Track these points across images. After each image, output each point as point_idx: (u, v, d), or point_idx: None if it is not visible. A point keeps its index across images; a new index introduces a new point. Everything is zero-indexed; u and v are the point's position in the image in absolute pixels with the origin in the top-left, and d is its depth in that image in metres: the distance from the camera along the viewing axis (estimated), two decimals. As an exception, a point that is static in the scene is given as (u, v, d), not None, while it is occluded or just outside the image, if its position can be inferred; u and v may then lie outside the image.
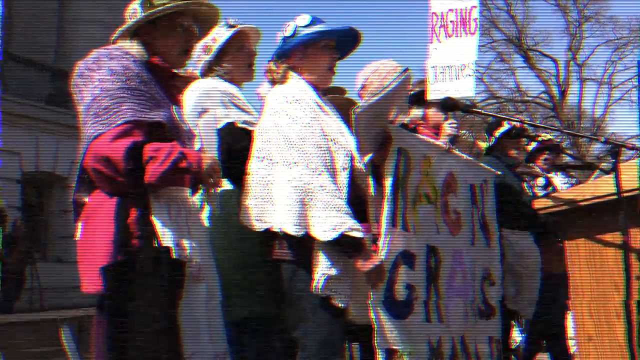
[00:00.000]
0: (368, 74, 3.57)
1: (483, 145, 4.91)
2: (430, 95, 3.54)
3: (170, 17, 2.69)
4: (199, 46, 3.20)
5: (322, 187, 2.77)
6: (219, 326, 2.70)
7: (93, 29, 15.40)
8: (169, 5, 2.66)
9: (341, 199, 2.79)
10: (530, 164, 5.39)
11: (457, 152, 3.54)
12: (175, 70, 2.74)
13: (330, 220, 2.74)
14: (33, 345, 7.02)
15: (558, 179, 5.34)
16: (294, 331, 2.90)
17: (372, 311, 2.88)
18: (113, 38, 2.70)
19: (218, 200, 3.17)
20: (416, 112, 4.06)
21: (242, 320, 3.06)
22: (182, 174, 2.48)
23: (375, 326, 2.88)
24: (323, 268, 2.78)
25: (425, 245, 3.19)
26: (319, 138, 2.88)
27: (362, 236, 2.77)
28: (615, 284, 2.70)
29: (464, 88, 3.46)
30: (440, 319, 3.20)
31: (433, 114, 4.03)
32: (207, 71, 3.36)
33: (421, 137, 3.29)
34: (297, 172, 2.80)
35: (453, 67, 3.48)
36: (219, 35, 3.32)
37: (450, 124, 3.76)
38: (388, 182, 3.03)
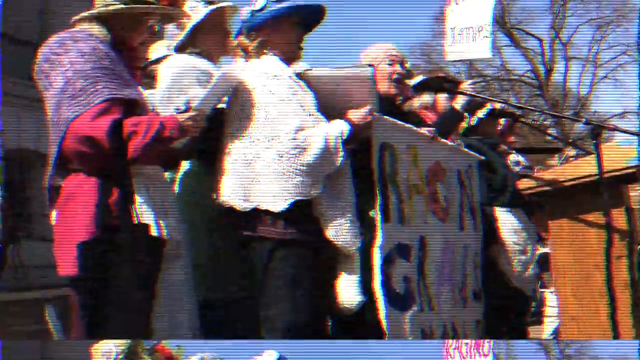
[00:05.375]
0: (361, 57, 3.57)
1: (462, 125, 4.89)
2: (449, 57, 3.56)
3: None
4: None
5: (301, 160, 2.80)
6: (193, 303, 2.73)
7: (76, 5, 15.19)
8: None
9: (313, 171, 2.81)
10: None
11: (441, 139, 3.48)
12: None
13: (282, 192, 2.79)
14: (18, 323, 7.01)
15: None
16: (265, 310, 2.85)
17: (380, 307, 2.88)
18: (74, 19, 2.69)
19: (181, 178, 3.16)
20: (426, 99, 4.06)
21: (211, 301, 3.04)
22: (165, 143, 2.51)
23: (384, 322, 2.88)
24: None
25: (418, 236, 3.19)
26: (299, 112, 2.88)
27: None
28: (597, 265, 2.73)
29: (482, 50, 3.45)
30: (432, 308, 3.21)
31: (443, 100, 4.04)
32: (182, 48, 3.28)
33: (406, 125, 3.26)
34: (277, 147, 2.81)
35: (470, 28, 3.47)
36: (195, 12, 3.23)
37: (469, 84, 3.78)
38: (376, 178, 2.99)
